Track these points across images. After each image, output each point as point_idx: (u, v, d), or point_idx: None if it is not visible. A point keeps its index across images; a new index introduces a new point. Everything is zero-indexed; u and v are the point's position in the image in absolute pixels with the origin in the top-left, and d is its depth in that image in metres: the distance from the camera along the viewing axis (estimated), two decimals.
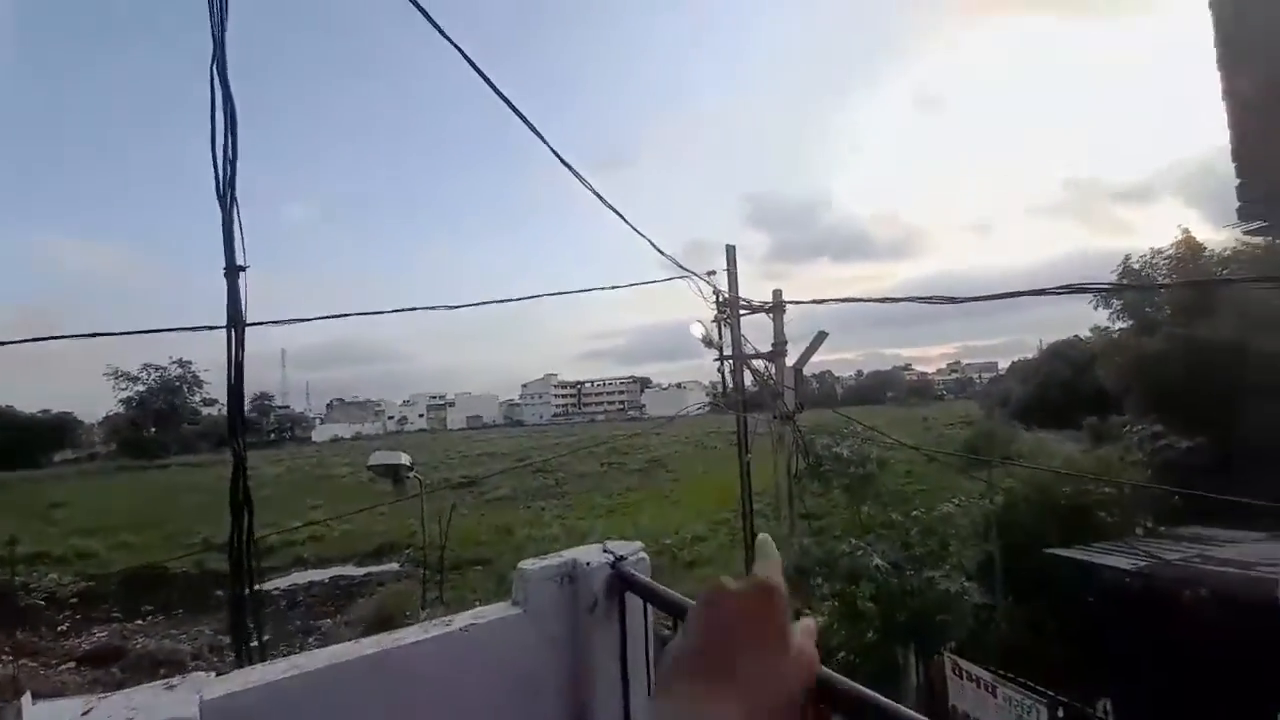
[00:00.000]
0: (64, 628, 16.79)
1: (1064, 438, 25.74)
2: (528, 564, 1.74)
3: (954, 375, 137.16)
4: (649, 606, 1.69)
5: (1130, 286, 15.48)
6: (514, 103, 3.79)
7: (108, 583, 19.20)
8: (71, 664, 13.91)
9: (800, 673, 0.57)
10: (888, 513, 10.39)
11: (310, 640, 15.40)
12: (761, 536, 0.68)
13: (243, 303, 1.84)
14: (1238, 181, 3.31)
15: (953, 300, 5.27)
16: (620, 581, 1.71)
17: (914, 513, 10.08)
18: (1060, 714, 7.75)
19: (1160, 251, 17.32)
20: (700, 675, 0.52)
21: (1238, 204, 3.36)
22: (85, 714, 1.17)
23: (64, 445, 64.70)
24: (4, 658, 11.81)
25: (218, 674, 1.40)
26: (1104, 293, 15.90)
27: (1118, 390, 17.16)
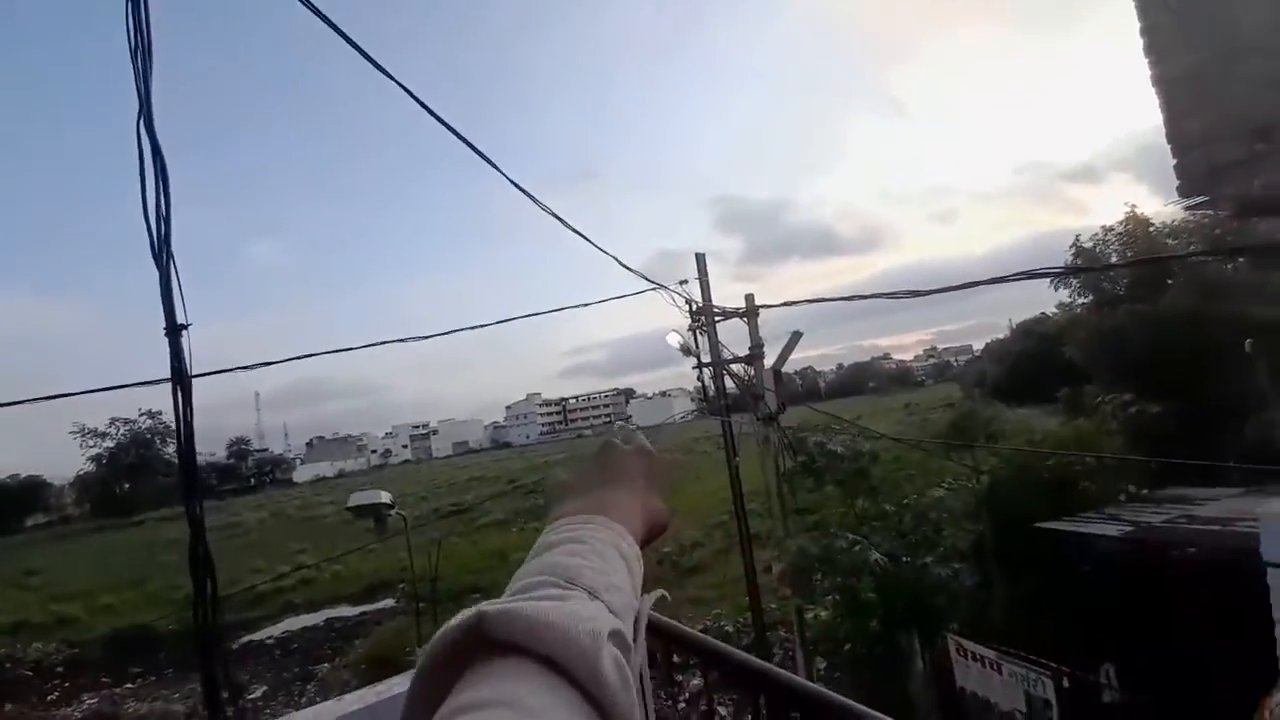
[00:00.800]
0: (54, 697, 16.14)
1: (1042, 412, 26.34)
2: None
3: (931, 360, 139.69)
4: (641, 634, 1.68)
5: (1084, 269, 16.01)
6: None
7: (93, 648, 18.50)
8: None
9: (658, 513, 0.77)
10: (880, 504, 10.48)
11: (309, 686, 14.99)
12: (628, 432, 0.90)
13: (187, 360, 1.78)
14: (1174, 161, 3.44)
15: (917, 294, 5.38)
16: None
17: (905, 501, 10.18)
18: (1065, 684, 7.84)
19: (1110, 229, 17.90)
20: (586, 500, 0.68)
21: (1177, 182, 3.48)
22: None
23: (35, 509, 62.27)
24: None
25: None
26: (1059, 275, 16.39)
27: (1085, 363, 17.63)
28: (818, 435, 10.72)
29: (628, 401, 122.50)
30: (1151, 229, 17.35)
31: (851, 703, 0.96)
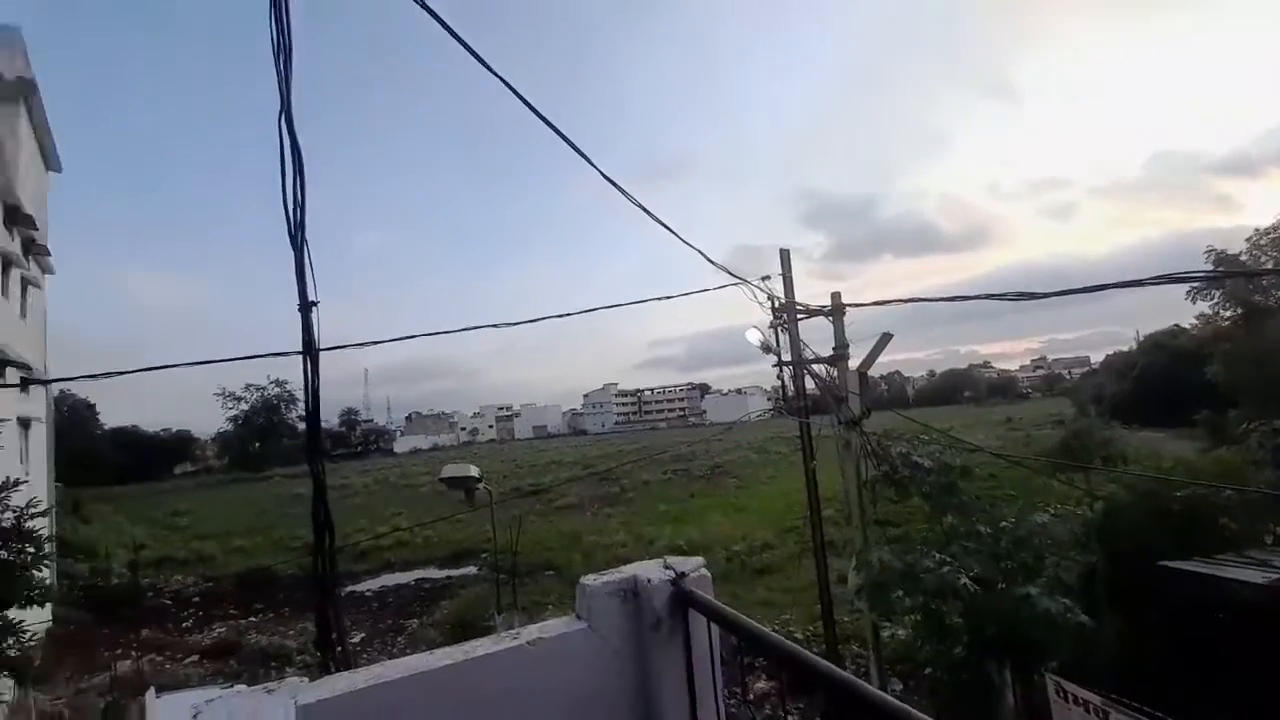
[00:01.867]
0: (188, 624, 18.61)
1: (1172, 436, 23.32)
2: (590, 579, 1.77)
3: (1040, 371, 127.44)
4: (713, 626, 1.69)
5: (1229, 273, 13.81)
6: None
7: (225, 583, 21.14)
8: (195, 657, 15.37)
9: None
10: (972, 523, 9.73)
11: (399, 639, 16.28)
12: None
13: (315, 334, 2.00)
14: None
15: (1029, 296, 4.88)
16: (683, 599, 1.71)
17: (1003, 524, 9.36)
18: None
19: (1266, 232, 15.28)
20: None
21: None
22: (195, 717, 1.31)
23: (183, 460, 71.94)
24: (132, 653, 13.20)
25: (310, 679, 1.52)
26: (1202, 279, 14.21)
27: (1230, 384, 15.33)
28: (901, 445, 10.11)
29: (703, 396, 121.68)
30: None
31: None
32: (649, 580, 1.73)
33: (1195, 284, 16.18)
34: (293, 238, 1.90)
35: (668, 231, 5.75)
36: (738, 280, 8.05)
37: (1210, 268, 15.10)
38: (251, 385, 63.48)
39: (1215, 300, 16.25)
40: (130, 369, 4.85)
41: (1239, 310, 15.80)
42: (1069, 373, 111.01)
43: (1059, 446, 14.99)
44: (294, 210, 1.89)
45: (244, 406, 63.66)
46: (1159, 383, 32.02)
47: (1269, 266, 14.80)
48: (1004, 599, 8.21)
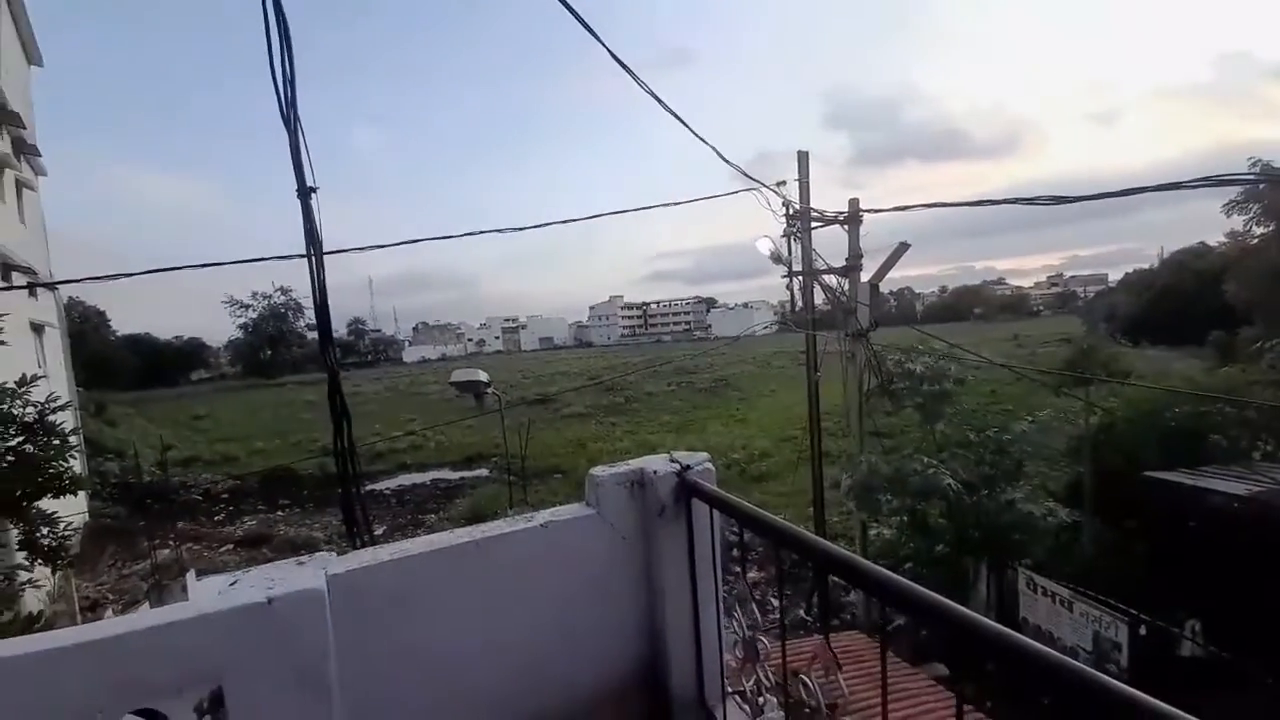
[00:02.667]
0: (220, 518, 19.90)
1: (1181, 355, 23.29)
2: (599, 470, 1.84)
3: (1054, 289, 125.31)
4: (715, 512, 1.77)
5: (1270, 178, 13.00)
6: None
7: (250, 481, 22.35)
8: (229, 546, 16.57)
9: None
10: (964, 432, 10.00)
11: (419, 531, 17.48)
12: None
13: (317, 223, 1.93)
14: None
15: (1060, 200, 4.63)
16: (687, 489, 1.78)
17: (990, 432, 9.62)
18: (1141, 631, 7.59)
19: None
20: None
21: None
22: (232, 584, 1.41)
23: (196, 366, 73.52)
24: (170, 543, 14.21)
25: (339, 554, 1.63)
26: (1245, 183, 13.34)
27: (1251, 302, 15.04)
28: (897, 355, 10.17)
29: (708, 310, 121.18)
30: None
31: (900, 579, 0.97)
32: (655, 472, 1.79)
33: (1232, 199, 15.40)
34: (285, 118, 1.77)
35: (682, 134, 5.42)
36: (751, 184, 7.70)
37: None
38: (258, 293, 63.52)
39: (1251, 215, 15.45)
40: (137, 271, 4.81)
41: (1274, 227, 15.12)
42: (1085, 290, 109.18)
43: (1064, 365, 15.03)
44: (284, 88, 1.76)
45: (252, 315, 64.13)
46: (1178, 302, 31.51)
47: None
48: (987, 502, 8.60)
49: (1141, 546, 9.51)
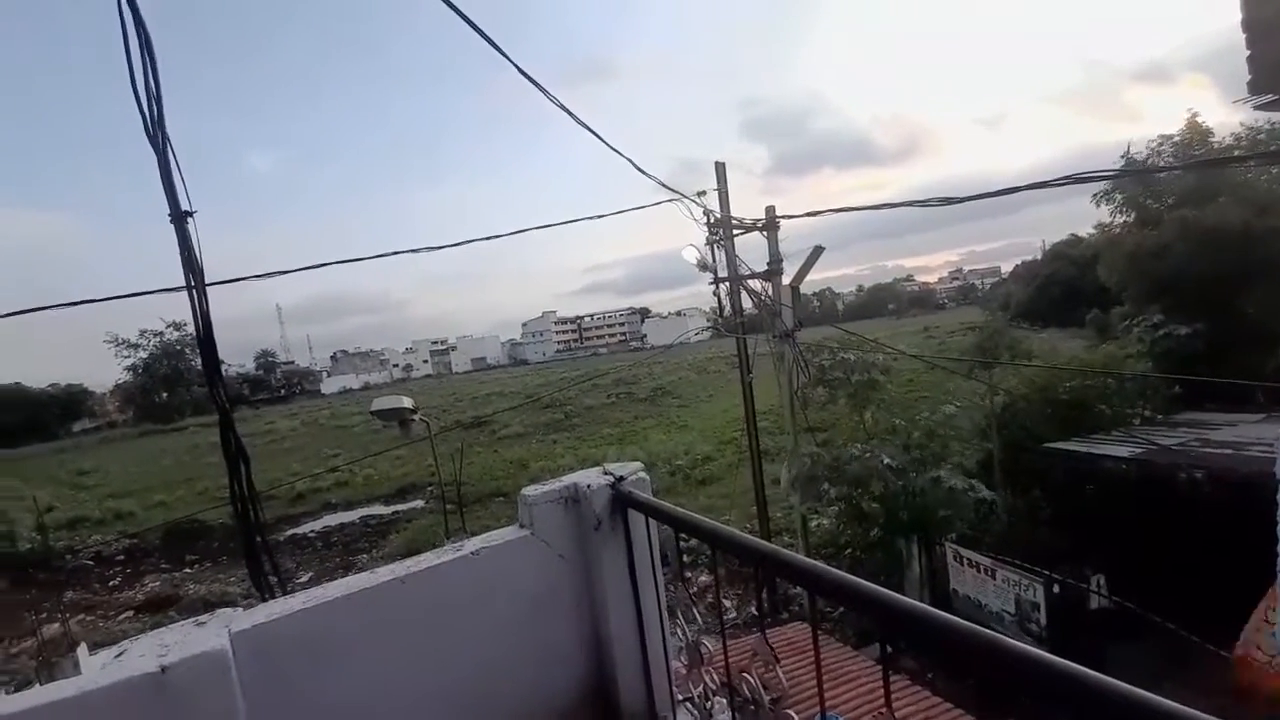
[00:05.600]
0: (115, 582, 17.84)
1: (1068, 336, 25.83)
2: (530, 490, 1.78)
3: (956, 283, 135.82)
4: (651, 521, 1.76)
5: (1128, 172, 14.84)
6: (485, 18, 3.51)
7: (151, 538, 20.20)
8: (129, 613, 14.87)
9: None
10: (891, 419, 10.62)
11: (349, 574, 16.41)
12: None
13: (196, 249, 1.74)
14: (1248, 52, 3.08)
15: (950, 201, 5.09)
16: (622, 500, 1.76)
17: (916, 417, 10.29)
18: (1055, 589, 8.26)
19: (1168, 138, 16.58)
20: None
21: (1248, 77, 3.13)
22: (119, 655, 1.25)
23: (79, 416, 65.96)
24: (57, 616, 12.61)
25: (245, 609, 1.48)
26: (1103, 179, 15.18)
27: (1119, 285, 16.98)
28: (827, 355, 10.72)
29: (643, 320, 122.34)
30: (1212, 140, 16.03)
31: (838, 572, 1.00)
32: (589, 486, 1.76)
33: (1100, 192, 17.41)
34: (152, 137, 1.60)
35: (599, 141, 5.46)
36: (673, 195, 7.87)
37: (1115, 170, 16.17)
38: (147, 331, 58.07)
39: (1115, 206, 17.55)
40: None
41: (1133, 216, 17.18)
42: (982, 283, 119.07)
43: (975, 350, 16.33)
44: (149, 105, 1.58)
45: (142, 355, 58.49)
46: (1059, 288, 35.14)
47: (1165, 165, 15.91)
48: (915, 483, 9.14)
49: (1048, 512, 10.40)
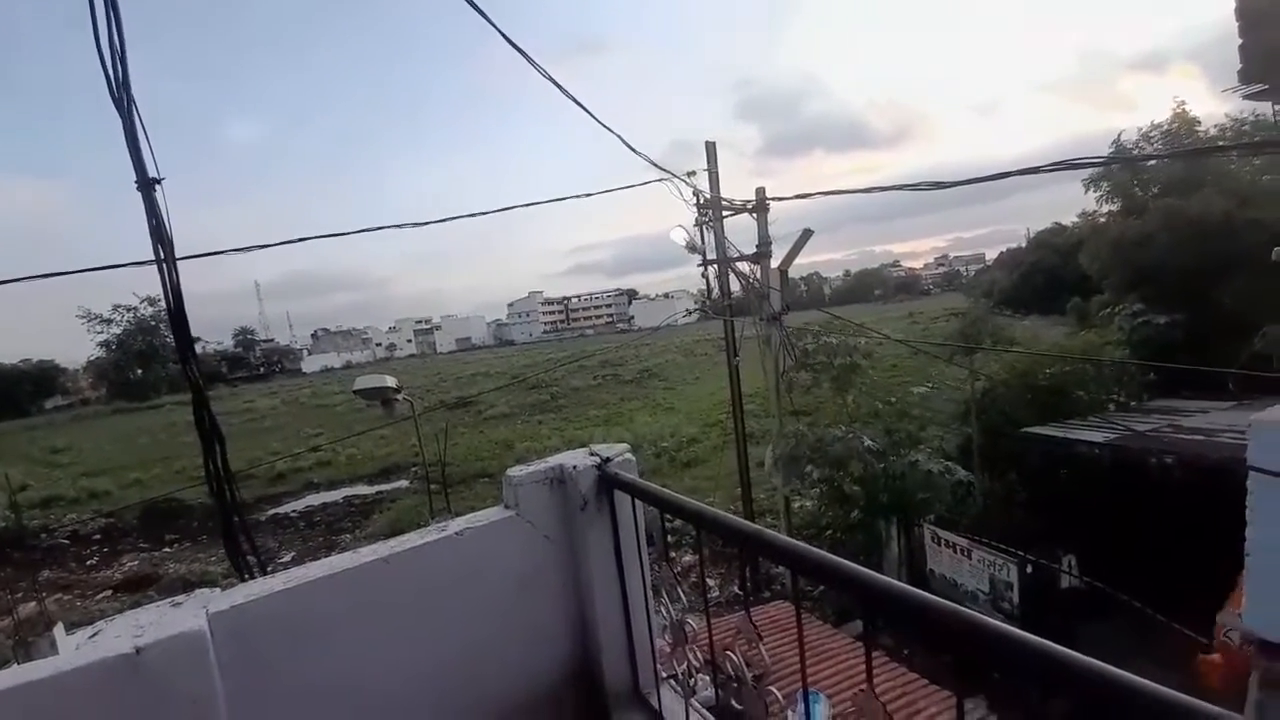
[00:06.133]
0: (93, 561, 17.60)
1: (1050, 323, 26.26)
2: (516, 470, 1.77)
3: (941, 269, 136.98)
4: (637, 502, 1.75)
5: (1115, 159, 15.02)
6: None
7: (128, 517, 19.90)
8: (107, 592, 14.71)
9: None
10: (873, 402, 10.77)
11: (333, 554, 16.37)
12: None
13: (165, 219, 1.66)
14: (1239, 41, 3.09)
15: (940, 185, 5.09)
16: (607, 481, 1.75)
17: (893, 400, 10.45)
18: (1029, 569, 8.50)
19: (1157, 126, 16.78)
20: None
21: (1239, 65, 3.15)
22: (94, 636, 1.22)
23: (51, 393, 64.39)
24: (33, 595, 12.44)
25: (223, 590, 1.45)
26: (1090, 166, 15.37)
27: (1100, 273, 17.26)
28: (811, 337, 10.79)
29: (630, 302, 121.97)
30: (1199, 129, 16.22)
31: (815, 550, 1.00)
32: (575, 467, 1.75)
33: (1090, 179, 17.61)
34: (116, 101, 1.49)
35: (597, 125, 5.35)
36: (663, 175, 7.78)
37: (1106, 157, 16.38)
38: (120, 305, 56.54)
39: (1101, 194, 17.78)
40: None
41: (1119, 204, 17.42)
42: (966, 269, 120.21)
43: (958, 336, 16.57)
44: (114, 64, 1.48)
45: (115, 330, 57.07)
46: (1041, 276, 35.61)
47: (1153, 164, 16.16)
48: (895, 465, 9.30)
49: (1023, 495, 10.65)
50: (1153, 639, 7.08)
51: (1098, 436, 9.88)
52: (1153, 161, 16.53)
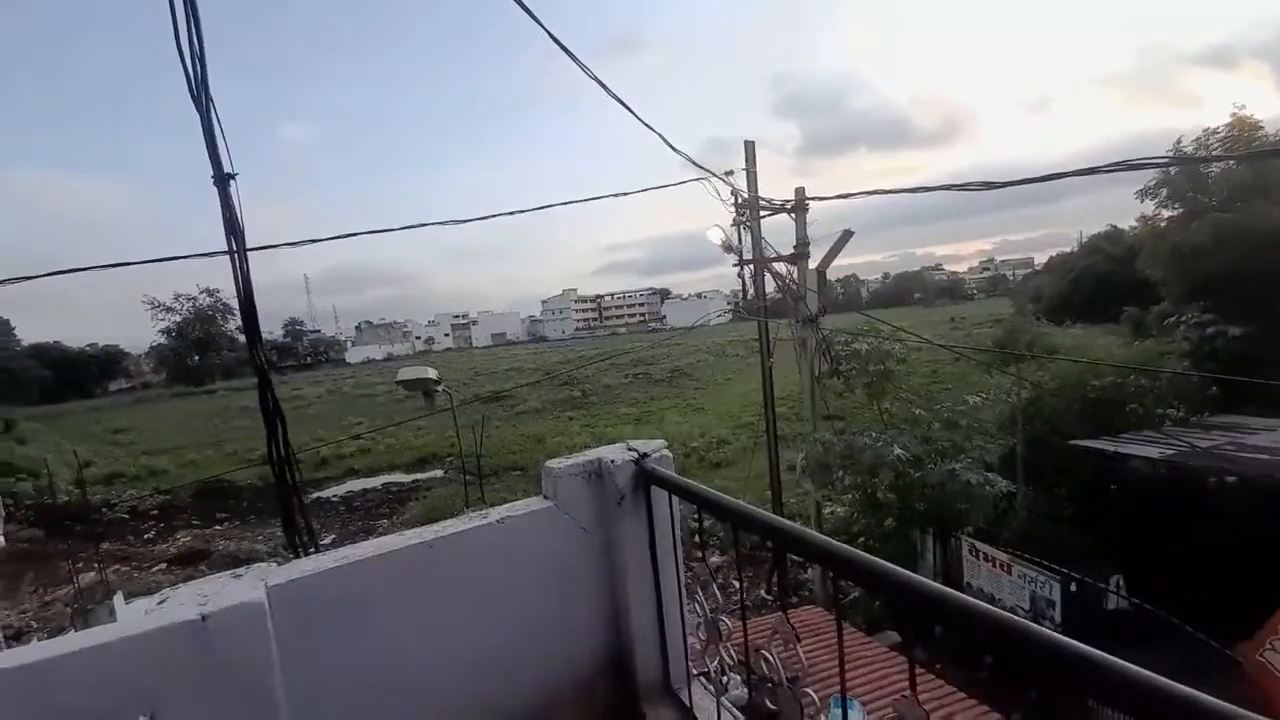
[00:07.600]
0: (150, 535, 18.63)
1: (1101, 332, 25.08)
2: (555, 462, 1.80)
3: (987, 273, 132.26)
4: (674, 499, 1.77)
5: (1181, 160, 14.19)
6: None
7: (183, 495, 20.99)
8: (162, 565, 15.55)
9: None
10: (910, 409, 10.47)
11: (370, 539, 16.91)
12: None
13: (238, 212, 1.77)
14: None
15: (990, 185, 4.89)
16: (645, 476, 1.77)
17: (936, 407, 10.13)
18: (1072, 587, 8.15)
19: (1214, 131, 15.80)
20: None
21: None
22: (161, 603, 1.30)
23: (115, 376, 68.40)
24: (95, 565, 13.24)
25: (281, 565, 1.53)
26: (1155, 166, 14.54)
27: (1161, 281, 16.36)
28: (845, 338, 10.56)
29: (663, 301, 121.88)
30: (1261, 132, 15.23)
31: (857, 552, 0.99)
32: (613, 461, 1.77)
33: (1145, 185, 16.77)
34: (196, 98, 1.61)
35: (631, 125, 5.38)
36: (700, 174, 7.74)
37: (1168, 171, 15.57)
38: (181, 295, 59.60)
39: (1160, 199, 16.87)
40: (36, 274, 4.40)
41: (1179, 210, 16.49)
42: (1014, 274, 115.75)
43: (994, 344, 15.99)
44: (193, 65, 1.59)
45: (175, 318, 60.19)
46: (1094, 282, 34.02)
47: (1214, 168, 15.24)
48: (932, 475, 9.03)
49: (1070, 510, 10.21)
50: (1203, 667, 6.71)
51: (1153, 451, 9.40)
52: (1216, 167, 15.58)
